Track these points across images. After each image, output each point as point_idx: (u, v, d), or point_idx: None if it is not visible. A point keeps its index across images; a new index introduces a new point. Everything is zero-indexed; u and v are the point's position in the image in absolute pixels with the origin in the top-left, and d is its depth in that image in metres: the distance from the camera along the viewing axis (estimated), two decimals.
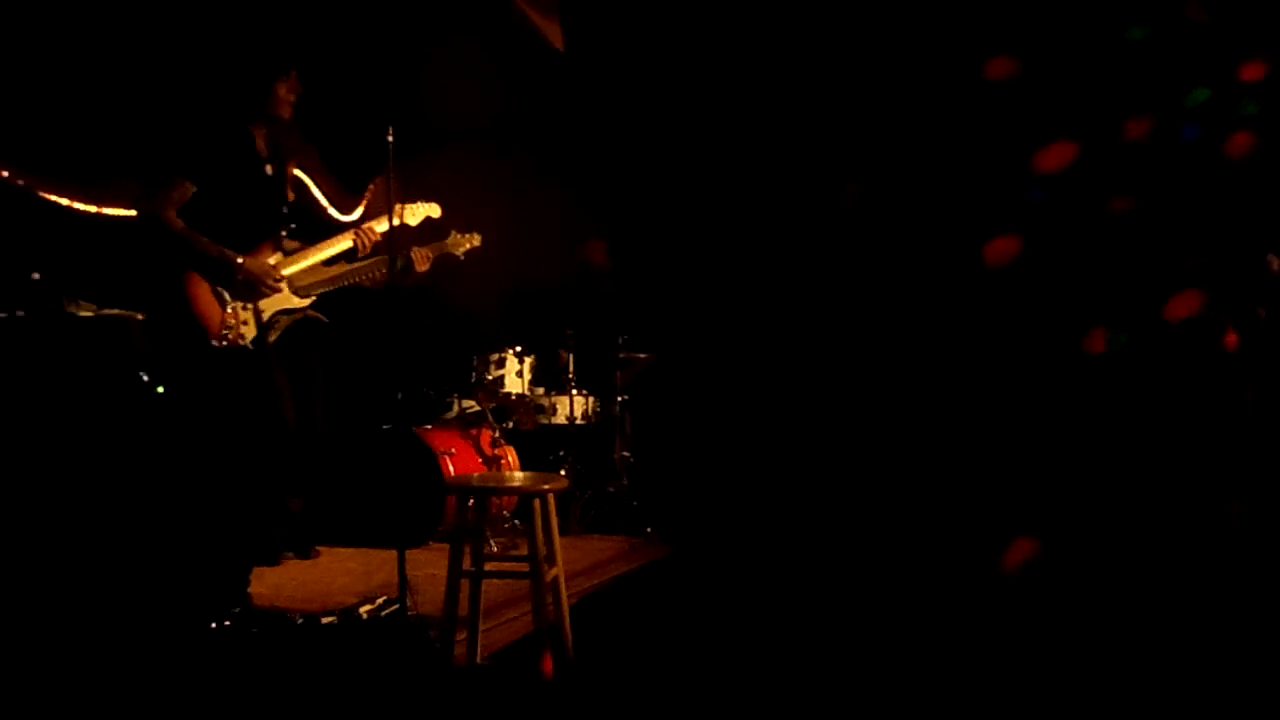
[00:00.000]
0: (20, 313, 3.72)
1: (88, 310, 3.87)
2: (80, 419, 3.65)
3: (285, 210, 3.59)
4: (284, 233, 3.57)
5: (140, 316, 3.91)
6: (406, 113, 3.44)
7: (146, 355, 3.89)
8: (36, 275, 3.88)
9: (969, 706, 2.79)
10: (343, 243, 3.51)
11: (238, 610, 3.32)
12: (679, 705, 2.78)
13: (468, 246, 3.85)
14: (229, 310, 3.31)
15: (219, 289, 3.31)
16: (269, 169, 3.50)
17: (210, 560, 3.28)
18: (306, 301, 3.52)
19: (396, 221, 3.70)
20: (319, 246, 3.55)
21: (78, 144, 4.86)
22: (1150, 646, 3.22)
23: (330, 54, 3.52)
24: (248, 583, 3.40)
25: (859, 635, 3.47)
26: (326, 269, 3.54)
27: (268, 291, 3.39)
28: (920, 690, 2.89)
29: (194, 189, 3.29)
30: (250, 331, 3.34)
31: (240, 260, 3.31)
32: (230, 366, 3.31)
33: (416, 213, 3.80)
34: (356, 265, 3.62)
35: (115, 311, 3.92)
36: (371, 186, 6.16)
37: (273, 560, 4.14)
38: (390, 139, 3.20)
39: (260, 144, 3.48)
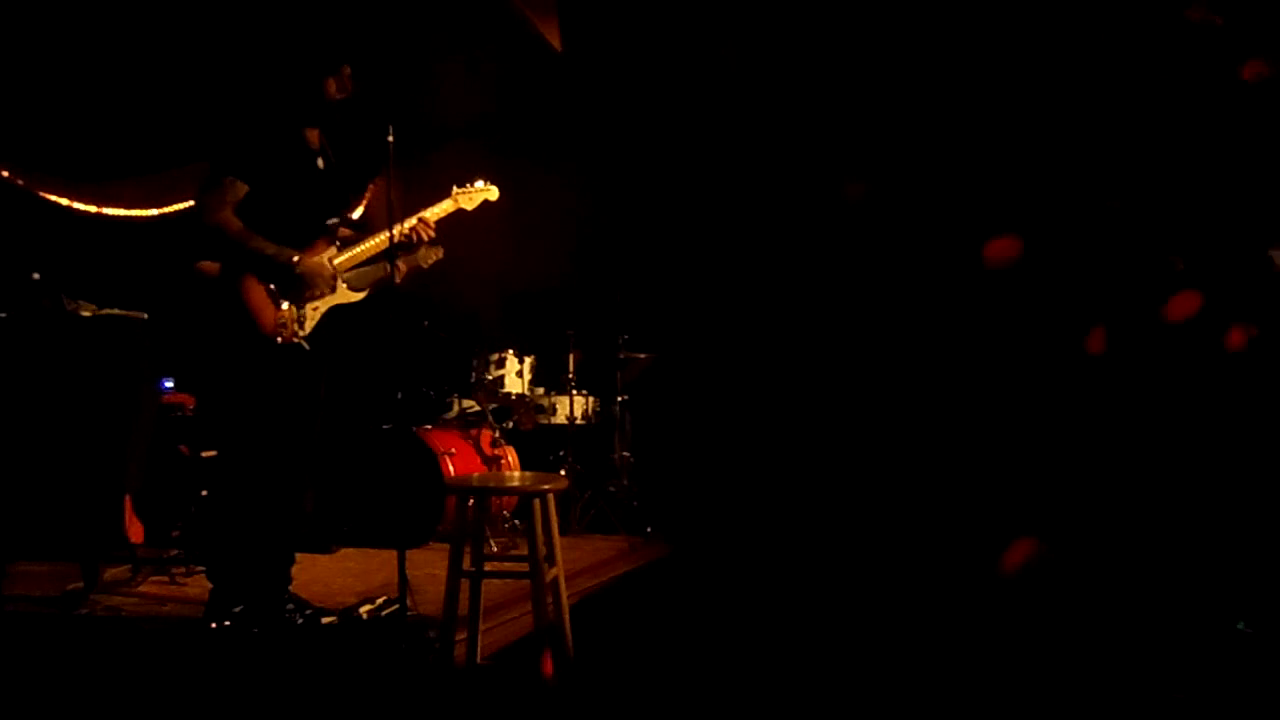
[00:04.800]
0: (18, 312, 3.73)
1: (88, 310, 3.87)
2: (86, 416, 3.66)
3: (338, 206, 3.56)
4: (336, 223, 3.54)
5: (144, 316, 3.91)
6: (407, 113, 3.43)
7: (152, 354, 3.90)
8: (36, 275, 3.89)
9: (968, 706, 2.79)
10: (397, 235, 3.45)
11: (285, 599, 3.35)
12: (679, 705, 2.78)
13: (434, 259, 3.75)
14: (284, 308, 3.29)
15: (272, 287, 3.29)
16: (320, 163, 3.47)
17: (260, 547, 3.29)
18: (360, 295, 3.50)
19: (452, 206, 3.66)
20: (371, 239, 3.50)
21: (85, 144, 4.87)
22: (1148, 647, 3.22)
23: (330, 54, 3.50)
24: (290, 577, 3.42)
25: (858, 634, 3.47)
26: (376, 263, 3.50)
27: (324, 289, 3.36)
28: (919, 689, 2.89)
29: (246, 188, 3.26)
30: (305, 329, 3.32)
31: (297, 259, 3.29)
32: (284, 364, 3.29)
33: (474, 197, 3.75)
34: (405, 257, 3.55)
35: (116, 311, 3.93)
36: (371, 186, 6.17)
37: (325, 548, 4.77)
38: (390, 139, 3.19)
39: (312, 140, 3.46)
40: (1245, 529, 3.97)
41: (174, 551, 4.29)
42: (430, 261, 3.65)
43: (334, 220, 3.51)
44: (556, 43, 6.46)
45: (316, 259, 3.35)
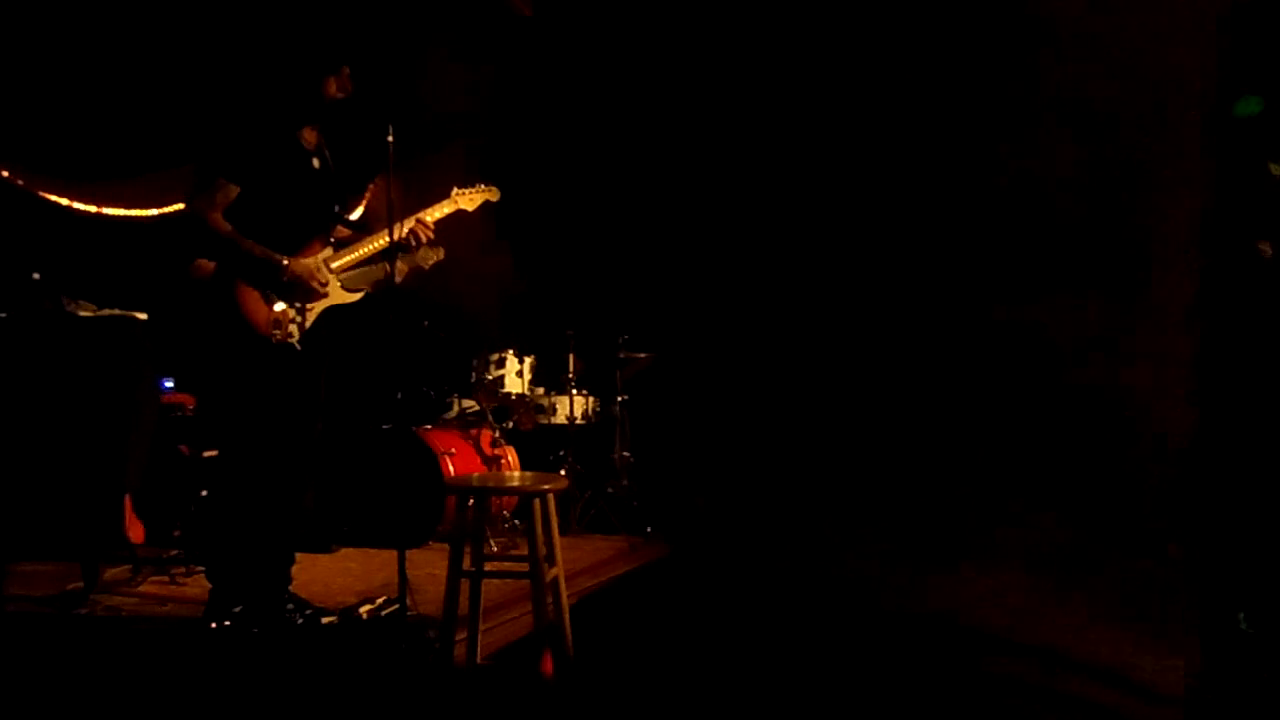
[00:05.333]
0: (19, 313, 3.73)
1: (88, 310, 3.87)
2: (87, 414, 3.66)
3: (334, 206, 3.54)
4: (334, 226, 3.52)
5: (142, 316, 3.91)
6: (406, 113, 3.42)
7: (152, 354, 3.90)
8: (36, 275, 3.89)
9: (967, 705, 2.79)
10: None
11: (285, 599, 3.35)
12: (679, 705, 2.78)
13: (435, 260, 3.71)
14: (278, 308, 3.28)
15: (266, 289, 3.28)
16: (315, 163, 3.45)
17: (260, 547, 3.29)
18: (356, 297, 3.48)
19: (452, 207, 3.65)
20: (368, 240, 3.48)
21: (85, 145, 4.87)
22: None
23: (330, 53, 3.49)
24: (290, 577, 3.43)
25: (856, 633, 3.47)
26: (375, 263, 3.48)
27: (317, 291, 3.35)
28: (917, 688, 2.89)
29: (238, 190, 3.24)
30: (301, 329, 3.31)
31: (286, 262, 3.27)
32: (280, 363, 3.28)
33: (474, 197, 3.73)
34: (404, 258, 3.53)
35: (115, 311, 3.93)
36: (371, 187, 6.17)
37: (325, 548, 4.78)
38: (390, 139, 3.19)
39: (308, 139, 3.44)
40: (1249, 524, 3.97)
41: (174, 551, 4.29)
42: (430, 262, 3.63)
43: (331, 222, 3.50)
44: (526, 9, 6.41)
45: (308, 261, 3.33)
